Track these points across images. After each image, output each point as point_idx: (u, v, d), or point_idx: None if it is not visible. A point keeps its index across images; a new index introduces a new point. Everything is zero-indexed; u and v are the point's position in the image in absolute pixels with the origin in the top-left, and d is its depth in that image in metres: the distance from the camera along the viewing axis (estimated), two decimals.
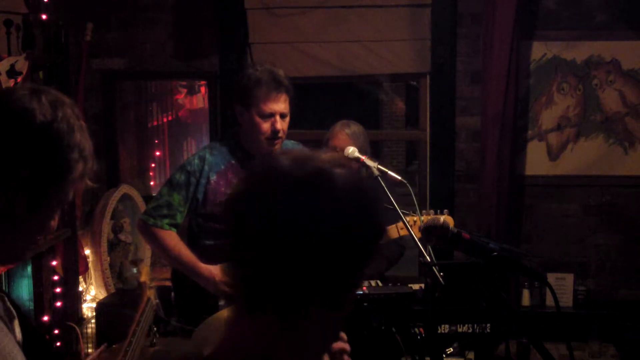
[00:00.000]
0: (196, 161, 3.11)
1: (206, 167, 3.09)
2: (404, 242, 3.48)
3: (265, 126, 3.01)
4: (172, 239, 3.09)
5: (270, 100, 3.00)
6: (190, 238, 3.21)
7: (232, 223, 1.13)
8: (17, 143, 1.36)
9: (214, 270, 3.00)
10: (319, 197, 1.08)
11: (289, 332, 1.10)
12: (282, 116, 3.03)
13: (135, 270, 2.59)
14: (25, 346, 1.46)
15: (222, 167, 3.11)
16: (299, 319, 1.09)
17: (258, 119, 3.02)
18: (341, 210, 1.08)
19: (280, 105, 3.02)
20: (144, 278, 2.69)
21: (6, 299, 1.46)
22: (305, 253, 1.06)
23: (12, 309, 1.47)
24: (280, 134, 3.03)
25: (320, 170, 1.11)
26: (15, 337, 1.44)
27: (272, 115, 3.01)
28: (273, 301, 1.08)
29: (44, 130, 1.37)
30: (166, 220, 3.07)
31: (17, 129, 1.36)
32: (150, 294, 2.58)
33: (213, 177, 3.09)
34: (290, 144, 3.18)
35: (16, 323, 1.48)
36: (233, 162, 3.13)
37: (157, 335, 2.80)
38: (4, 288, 3.43)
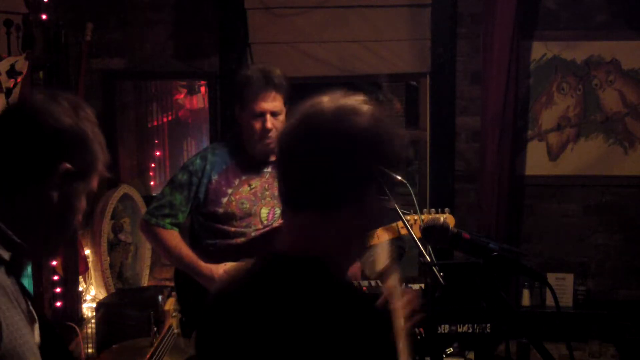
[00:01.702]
0: (198, 161, 3.11)
1: (208, 167, 3.09)
2: (404, 242, 3.47)
3: (257, 125, 3.01)
4: (173, 238, 3.10)
5: (258, 99, 2.99)
6: (192, 237, 3.22)
7: (282, 145, 1.41)
8: (49, 143, 1.47)
9: (215, 269, 3.00)
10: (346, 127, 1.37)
11: (326, 225, 1.36)
12: (274, 114, 3.01)
13: (160, 297, 2.66)
14: (46, 351, 1.50)
15: (224, 167, 3.11)
16: (335, 215, 1.36)
17: (250, 119, 3.01)
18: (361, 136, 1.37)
19: (270, 103, 2.99)
20: (168, 307, 2.71)
21: (29, 302, 1.50)
22: (332, 164, 1.36)
23: (34, 312, 1.51)
24: (272, 133, 3.01)
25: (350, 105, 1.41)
26: (34, 338, 1.48)
27: (262, 114, 3.00)
28: (313, 201, 1.37)
29: (72, 129, 1.49)
30: (168, 220, 3.08)
31: (47, 130, 1.47)
32: (173, 322, 2.60)
33: (214, 177, 3.09)
34: None
35: (36, 327, 1.51)
36: (235, 162, 3.13)
37: (158, 335, 2.80)
38: None
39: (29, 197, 1.47)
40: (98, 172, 1.55)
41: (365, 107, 1.40)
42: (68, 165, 1.48)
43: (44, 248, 1.56)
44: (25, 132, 1.48)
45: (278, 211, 3.12)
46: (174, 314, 2.68)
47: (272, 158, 3.10)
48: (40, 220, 1.49)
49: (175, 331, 2.65)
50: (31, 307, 1.50)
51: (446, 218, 3.29)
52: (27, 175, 1.47)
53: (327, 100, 1.41)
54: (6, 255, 1.43)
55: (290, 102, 3.05)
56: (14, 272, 1.46)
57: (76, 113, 1.51)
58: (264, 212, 3.14)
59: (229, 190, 3.10)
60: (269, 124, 2.99)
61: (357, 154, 1.36)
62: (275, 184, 3.14)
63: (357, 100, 1.42)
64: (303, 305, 1.30)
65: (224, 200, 3.09)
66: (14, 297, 1.42)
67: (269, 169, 3.15)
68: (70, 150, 1.49)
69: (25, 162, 1.47)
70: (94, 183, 1.56)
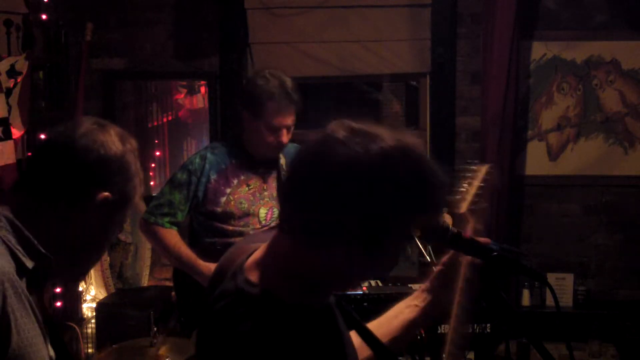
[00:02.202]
0: (197, 160, 3.12)
1: (207, 166, 3.09)
2: None
3: (272, 138, 3.03)
4: (172, 237, 3.10)
5: (280, 115, 3.00)
6: (191, 236, 3.23)
7: (293, 177, 1.32)
8: (94, 171, 1.52)
9: (214, 268, 3.00)
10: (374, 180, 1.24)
11: (304, 262, 1.30)
12: (289, 129, 3.05)
13: (154, 343, 2.68)
14: None
15: (223, 166, 3.12)
16: (324, 250, 1.28)
17: (265, 131, 3.02)
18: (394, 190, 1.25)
19: (289, 119, 3.03)
20: (162, 352, 2.72)
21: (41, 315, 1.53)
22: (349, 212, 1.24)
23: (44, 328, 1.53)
24: (284, 144, 3.06)
25: (383, 152, 1.26)
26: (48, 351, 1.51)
27: (280, 129, 3.02)
28: (292, 229, 1.30)
29: (118, 161, 1.55)
30: (167, 219, 3.08)
31: (95, 159, 1.52)
32: None
33: (213, 176, 3.10)
34: (292, 146, 3.19)
35: (47, 341, 1.54)
36: (234, 162, 3.13)
37: (158, 335, 2.80)
38: None
39: (66, 218, 1.52)
40: (136, 201, 1.61)
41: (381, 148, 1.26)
42: (107, 194, 1.52)
43: (72, 269, 1.60)
44: (72, 157, 1.52)
45: (276, 211, 3.13)
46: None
47: (272, 159, 3.13)
48: (72, 242, 1.53)
49: None
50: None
51: (446, 217, 3.29)
52: (68, 198, 1.51)
53: (342, 132, 1.28)
54: (29, 264, 1.46)
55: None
56: (35, 283, 1.48)
57: (123, 144, 1.57)
58: (263, 212, 3.14)
59: (228, 190, 3.10)
60: (285, 139, 3.03)
61: (351, 197, 1.24)
62: (274, 184, 3.16)
63: (377, 137, 1.27)
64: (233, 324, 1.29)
65: (223, 199, 3.09)
66: (31, 307, 1.44)
67: (269, 170, 3.16)
68: (112, 179, 1.54)
69: (68, 186, 1.51)
70: (129, 211, 1.62)
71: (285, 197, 1.36)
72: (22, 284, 1.43)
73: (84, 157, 1.51)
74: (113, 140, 1.55)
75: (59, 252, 1.50)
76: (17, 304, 1.40)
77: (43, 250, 1.47)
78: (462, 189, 1.80)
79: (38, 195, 1.51)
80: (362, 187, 1.24)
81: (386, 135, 1.27)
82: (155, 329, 2.78)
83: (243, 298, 1.31)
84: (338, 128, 1.29)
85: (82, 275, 1.85)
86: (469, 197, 1.72)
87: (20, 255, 1.45)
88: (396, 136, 1.28)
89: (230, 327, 1.29)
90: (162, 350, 2.73)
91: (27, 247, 1.46)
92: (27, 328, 1.41)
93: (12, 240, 1.45)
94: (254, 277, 1.34)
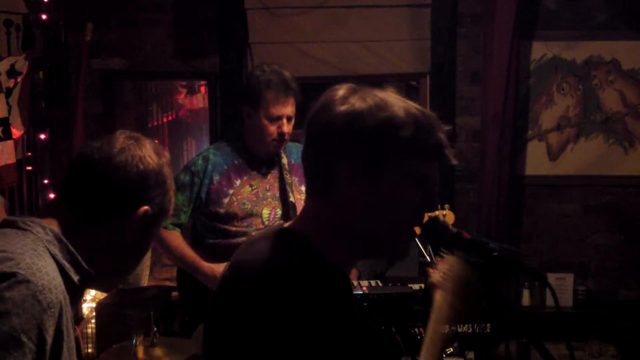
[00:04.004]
0: (200, 161, 3.12)
1: (209, 167, 3.10)
2: None
3: (272, 129, 3.03)
4: (175, 238, 3.11)
5: (279, 103, 3.01)
6: (194, 237, 3.23)
7: (312, 132, 1.43)
8: (134, 187, 1.55)
9: (217, 269, 3.00)
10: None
11: (329, 218, 1.39)
12: (289, 119, 3.05)
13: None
14: None
15: (225, 167, 3.12)
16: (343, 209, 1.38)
17: (265, 122, 3.02)
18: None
19: (288, 108, 3.03)
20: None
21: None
22: (330, 153, 1.39)
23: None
24: (286, 137, 3.05)
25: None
26: None
27: (279, 118, 3.02)
28: (311, 186, 1.42)
29: (155, 175, 1.57)
30: (170, 221, 3.09)
31: (135, 175, 1.55)
32: None
33: (216, 178, 3.10)
34: (294, 146, 3.19)
35: None
36: (236, 162, 3.14)
37: (158, 335, 2.80)
38: None
39: (108, 232, 1.54)
40: (170, 214, 1.64)
41: (387, 100, 1.39)
42: (147, 208, 1.55)
43: (109, 281, 1.63)
44: (112, 174, 1.54)
45: (279, 212, 3.13)
46: None
47: (274, 155, 3.13)
48: (113, 255, 1.55)
49: None
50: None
51: (446, 215, 3.29)
52: (109, 213, 1.54)
53: (343, 92, 1.42)
54: (76, 279, 1.48)
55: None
56: (75, 297, 1.51)
57: (159, 157, 1.59)
58: (266, 212, 3.14)
59: (230, 191, 3.10)
60: (285, 128, 3.03)
61: (362, 145, 1.36)
62: (277, 185, 3.16)
63: (385, 95, 1.40)
64: (265, 271, 1.34)
65: (226, 200, 3.10)
66: (72, 323, 1.49)
67: (271, 170, 3.16)
68: (151, 193, 1.56)
69: (109, 202, 1.54)
70: (162, 224, 1.65)
71: (304, 159, 1.45)
72: (67, 300, 1.46)
73: (123, 174, 1.53)
74: (150, 155, 1.58)
75: (99, 266, 1.53)
76: (67, 323, 1.44)
77: (86, 266, 1.50)
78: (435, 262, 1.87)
79: (80, 210, 1.53)
80: (360, 131, 1.36)
81: (377, 91, 1.42)
82: (155, 329, 2.78)
83: (285, 251, 1.38)
84: (338, 90, 1.44)
85: (117, 285, 1.88)
86: (441, 271, 1.76)
87: (67, 270, 1.47)
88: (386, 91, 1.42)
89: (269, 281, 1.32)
90: (159, 351, 2.72)
91: (72, 262, 1.48)
92: (71, 346, 1.46)
93: (59, 255, 1.47)
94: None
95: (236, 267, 1.43)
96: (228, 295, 1.38)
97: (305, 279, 1.32)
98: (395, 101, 1.40)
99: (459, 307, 1.58)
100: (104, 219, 1.53)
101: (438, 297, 1.59)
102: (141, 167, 1.55)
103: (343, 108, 1.39)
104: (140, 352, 2.69)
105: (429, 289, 1.67)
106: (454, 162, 1.42)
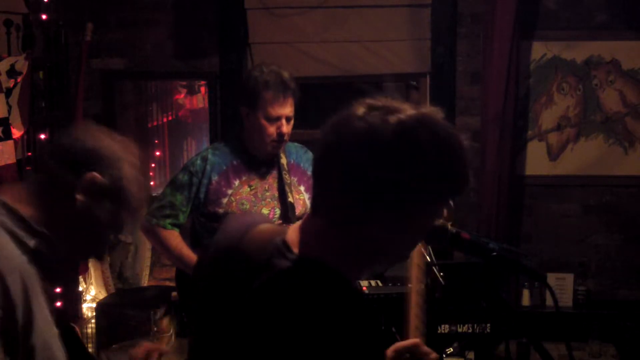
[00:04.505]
0: (198, 162, 3.12)
1: (208, 168, 3.09)
2: None
3: (271, 129, 3.02)
4: (174, 238, 3.11)
5: (277, 103, 3.00)
6: (193, 237, 3.23)
7: (318, 158, 1.33)
8: (86, 154, 1.59)
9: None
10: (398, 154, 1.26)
11: (339, 238, 1.31)
12: (288, 119, 3.04)
13: (157, 317, 2.66)
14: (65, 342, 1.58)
15: (224, 167, 3.12)
16: (354, 231, 1.30)
17: (264, 122, 3.02)
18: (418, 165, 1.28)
19: (287, 108, 3.02)
20: (165, 326, 2.71)
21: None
22: (375, 190, 1.26)
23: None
24: (285, 137, 3.04)
25: (404, 126, 1.27)
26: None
27: (278, 118, 3.01)
28: (324, 209, 1.33)
29: (112, 153, 1.61)
30: (169, 220, 3.09)
31: (90, 146, 1.60)
32: (167, 342, 2.61)
33: (215, 178, 3.09)
34: (293, 146, 3.18)
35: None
36: (235, 163, 3.13)
37: (158, 336, 2.80)
38: None
39: (58, 197, 1.57)
40: (131, 208, 1.65)
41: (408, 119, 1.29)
42: (96, 174, 1.57)
43: (69, 250, 1.63)
44: (68, 143, 1.61)
45: (278, 212, 3.13)
46: (170, 334, 2.70)
47: (274, 156, 3.12)
48: (66, 221, 1.57)
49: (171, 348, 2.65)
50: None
51: (445, 217, 3.29)
52: (58, 177, 1.58)
53: (361, 109, 1.30)
54: (31, 243, 1.50)
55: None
56: (38, 261, 1.51)
57: (122, 146, 1.64)
58: (264, 212, 3.14)
59: (229, 191, 3.10)
60: (284, 129, 3.02)
61: (384, 172, 1.25)
62: (276, 185, 3.16)
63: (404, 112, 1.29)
64: (286, 300, 1.28)
65: (224, 200, 3.09)
66: (44, 295, 1.50)
67: (270, 170, 3.16)
68: (103, 163, 1.59)
69: (59, 165, 1.58)
70: (124, 216, 1.65)
71: (314, 178, 1.37)
72: (30, 269, 1.48)
73: (78, 145, 1.60)
74: (111, 141, 1.63)
75: (56, 232, 1.54)
76: (34, 290, 1.46)
77: (38, 228, 1.51)
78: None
79: (34, 175, 1.61)
80: (382, 157, 1.25)
81: (405, 107, 1.30)
82: (155, 329, 2.79)
83: (304, 271, 1.31)
84: (358, 106, 1.31)
85: (78, 258, 1.88)
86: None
87: (21, 237, 1.49)
88: (416, 107, 1.31)
89: (297, 298, 1.27)
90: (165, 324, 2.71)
91: (25, 228, 1.51)
92: (45, 313, 1.47)
93: (9, 223, 1.49)
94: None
95: (232, 260, 1.40)
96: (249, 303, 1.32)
97: (341, 307, 1.27)
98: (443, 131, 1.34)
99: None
100: (54, 183, 1.58)
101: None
102: (97, 143, 1.61)
103: (393, 131, 1.26)
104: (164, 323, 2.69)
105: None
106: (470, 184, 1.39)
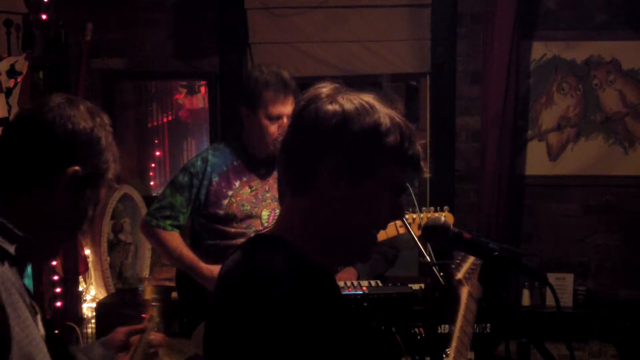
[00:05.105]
0: (199, 163, 3.12)
1: (208, 169, 3.09)
2: (402, 242, 3.47)
3: (272, 129, 3.02)
4: (174, 239, 3.10)
5: (278, 102, 3.00)
6: (193, 238, 3.23)
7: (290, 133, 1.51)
8: (63, 145, 1.51)
9: (216, 270, 2.99)
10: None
11: (299, 212, 1.44)
12: (289, 119, 3.04)
13: (140, 287, 2.62)
14: (49, 343, 1.53)
15: (224, 168, 3.12)
16: (302, 200, 1.44)
17: (265, 122, 3.02)
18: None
19: (288, 107, 3.02)
20: (148, 296, 2.69)
21: (28, 295, 1.52)
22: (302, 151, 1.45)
23: (34, 304, 1.53)
24: None
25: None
26: (39, 331, 1.50)
27: (279, 117, 3.01)
28: (287, 184, 1.47)
29: (87, 135, 1.53)
30: (169, 222, 3.08)
31: (62, 133, 1.50)
32: (153, 312, 2.59)
33: (215, 179, 3.09)
34: None
35: (39, 318, 1.54)
36: (235, 163, 3.13)
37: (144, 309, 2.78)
38: None
39: (35, 196, 1.50)
40: (107, 182, 1.58)
41: (363, 102, 1.42)
42: (77, 168, 1.51)
43: (46, 250, 1.58)
44: (40, 132, 1.51)
45: (279, 213, 3.13)
46: (154, 304, 2.67)
47: (274, 156, 3.12)
48: (46, 220, 1.51)
49: (157, 320, 2.63)
50: (32, 301, 1.53)
51: (445, 216, 3.29)
52: (35, 174, 1.50)
53: (325, 91, 1.46)
54: (11, 249, 1.44)
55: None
56: (18, 266, 1.47)
57: (93, 118, 1.55)
58: (265, 214, 3.14)
59: (230, 192, 3.10)
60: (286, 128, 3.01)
61: (328, 143, 1.39)
62: (276, 186, 3.16)
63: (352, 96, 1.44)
64: (242, 277, 1.36)
65: (225, 202, 3.09)
66: (19, 292, 1.44)
67: (271, 171, 3.16)
68: (82, 153, 1.52)
69: (35, 162, 1.50)
70: (102, 192, 1.59)
71: (285, 153, 1.50)
72: (9, 274, 1.42)
73: (51, 131, 1.51)
74: (82, 114, 1.54)
75: (34, 231, 1.48)
76: (10, 299, 1.40)
77: (19, 233, 1.46)
78: (457, 260, 1.96)
79: (7, 175, 1.50)
80: (336, 133, 1.40)
81: (366, 96, 1.44)
82: (155, 329, 2.78)
83: (273, 257, 1.39)
84: (324, 85, 1.48)
85: (54, 254, 1.84)
86: (465, 267, 1.80)
87: (0, 242, 1.44)
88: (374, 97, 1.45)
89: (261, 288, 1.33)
90: (148, 295, 2.69)
91: (3, 232, 1.45)
92: (23, 319, 1.41)
93: None
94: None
95: (226, 272, 1.44)
96: (221, 301, 1.40)
97: (292, 278, 1.34)
98: (380, 107, 1.42)
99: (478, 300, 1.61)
100: (29, 182, 1.50)
101: (464, 294, 1.60)
102: (70, 126, 1.51)
103: (332, 107, 1.41)
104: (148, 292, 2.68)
105: (455, 286, 1.69)
106: (426, 174, 1.46)
